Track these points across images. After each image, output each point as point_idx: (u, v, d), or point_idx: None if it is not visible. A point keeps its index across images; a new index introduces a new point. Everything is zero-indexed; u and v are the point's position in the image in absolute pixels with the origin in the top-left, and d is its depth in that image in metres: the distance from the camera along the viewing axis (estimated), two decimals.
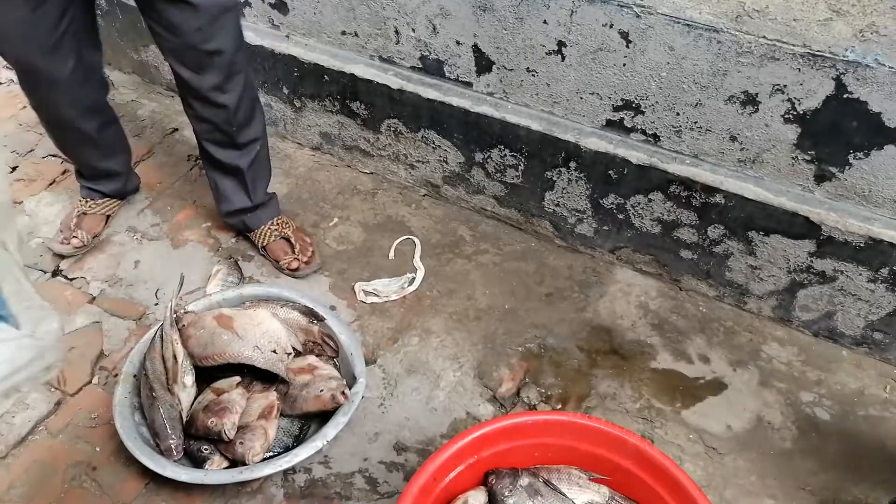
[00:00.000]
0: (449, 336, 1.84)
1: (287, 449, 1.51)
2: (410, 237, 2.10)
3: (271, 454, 1.50)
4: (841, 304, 1.76)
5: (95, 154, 1.96)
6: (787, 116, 1.60)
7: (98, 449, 1.57)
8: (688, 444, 1.61)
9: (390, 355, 1.79)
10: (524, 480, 1.32)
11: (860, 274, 1.69)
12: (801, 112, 1.57)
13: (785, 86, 1.56)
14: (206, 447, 1.50)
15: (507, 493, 1.31)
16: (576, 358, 1.79)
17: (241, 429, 1.49)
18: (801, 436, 1.63)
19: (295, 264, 1.98)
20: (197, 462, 1.49)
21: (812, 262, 1.73)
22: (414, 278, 1.97)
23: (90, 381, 1.72)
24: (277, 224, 2.03)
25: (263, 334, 1.62)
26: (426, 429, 1.63)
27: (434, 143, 2.15)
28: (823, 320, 1.82)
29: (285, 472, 1.53)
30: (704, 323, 1.88)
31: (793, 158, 1.65)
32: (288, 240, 2.01)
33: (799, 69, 1.52)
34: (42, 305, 1.52)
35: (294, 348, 1.67)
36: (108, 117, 1.93)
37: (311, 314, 1.73)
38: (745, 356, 1.80)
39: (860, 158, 1.57)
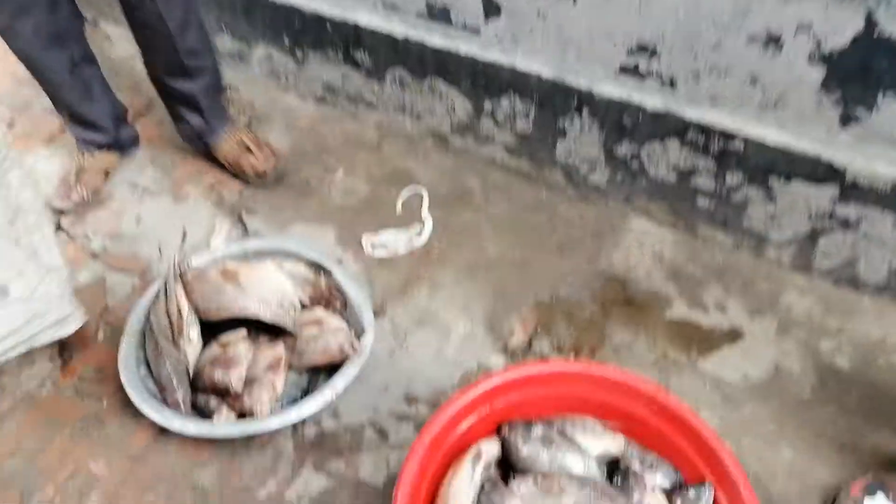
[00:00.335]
0: (459, 287, 1.80)
1: (296, 402, 1.48)
2: (418, 189, 2.04)
3: (280, 406, 1.48)
4: (864, 251, 1.71)
5: (72, 95, 1.90)
6: (812, 56, 1.52)
7: (105, 403, 1.55)
8: (704, 394, 1.57)
9: (399, 307, 1.75)
10: (538, 431, 1.30)
11: (886, 219, 1.63)
12: (828, 52, 1.50)
13: (811, 24, 1.48)
14: (213, 400, 1.48)
15: (521, 444, 1.28)
16: (589, 308, 1.75)
17: (249, 382, 1.47)
18: (820, 384, 1.59)
19: (261, 168, 2.01)
20: (204, 415, 1.47)
21: (835, 208, 1.67)
22: (422, 230, 1.92)
23: (95, 337, 1.69)
24: (233, 132, 2.05)
25: (269, 288, 1.59)
26: (436, 380, 1.60)
27: (441, 93, 2.08)
28: (845, 268, 1.76)
29: (294, 425, 1.51)
30: (721, 272, 1.83)
31: (817, 101, 1.58)
32: (247, 146, 2.02)
33: (826, 6, 1.44)
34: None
35: (301, 302, 1.63)
36: (79, 52, 1.86)
37: (317, 267, 1.69)
38: (763, 305, 1.75)
39: (889, 99, 1.49)
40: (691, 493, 1.22)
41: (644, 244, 1.90)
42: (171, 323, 1.53)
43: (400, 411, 1.55)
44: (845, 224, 1.68)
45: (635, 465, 1.28)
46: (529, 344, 1.68)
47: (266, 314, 1.54)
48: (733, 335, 1.69)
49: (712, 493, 1.21)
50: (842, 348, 1.66)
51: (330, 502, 1.39)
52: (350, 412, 1.54)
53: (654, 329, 1.70)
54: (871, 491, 1.35)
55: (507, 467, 1.31)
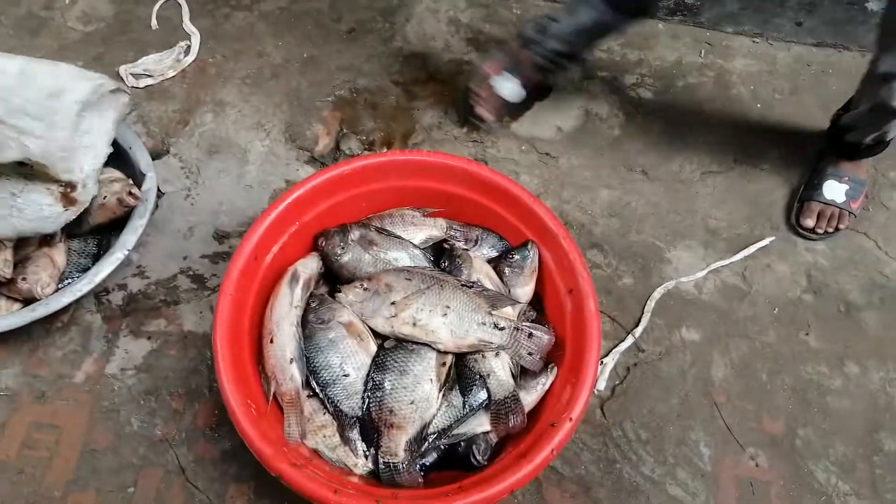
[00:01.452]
0: (246, 104, 1.60)
1: (87, 271, 1.30)
2: None
3: (70, 281, 1.30)
4: None
5: None
6: None
7: None
8: (522, 157, 1.54)
9: (184, 141, 1.54)
10: (355, 234, 1.21)
11: None
12: None
13: None
14: None
15: (339, 252, 1.20)
16: (392, 94, 1.62)
17: (21, 263, 1.26)
18: (627, 120, 1.61)
19: None
20: None
21: None
22: (189, 46, 1.66)
23: None
24: None
25: None
26: (245, 209, 1.46)
27: None
28: None
29: (97, 296, 1.35)
30: (519, 26, 1.73)
31: None
32: None
33: None
34: None
35: None
36: None
37: None
38: None
39: None
40: (516, 256, 1.21)
41: (438, 12, 1.75)
42: None
43: (212, 251, 1.41)
44: None
45: (460, 244, 1.25)
46: (337, 146, 1.55)
47: None
48: (541, 89, 1.64)
49: (536, 251, 1.21)
50: (643, 80, 1.66)
51: (159, 364, 1.28)
52: (157, 266, 1.39)
53: (463, 101, 1.60)
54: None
55: (334, 279, 1.24)
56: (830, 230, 1.44)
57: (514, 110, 1.55)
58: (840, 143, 1.44)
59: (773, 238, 1.45)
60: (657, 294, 1.37)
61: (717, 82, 1.67)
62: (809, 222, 1.44)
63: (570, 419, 1.02)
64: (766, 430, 1.24)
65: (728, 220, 1.47)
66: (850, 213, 1.44)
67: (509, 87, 1.49)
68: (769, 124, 1.60)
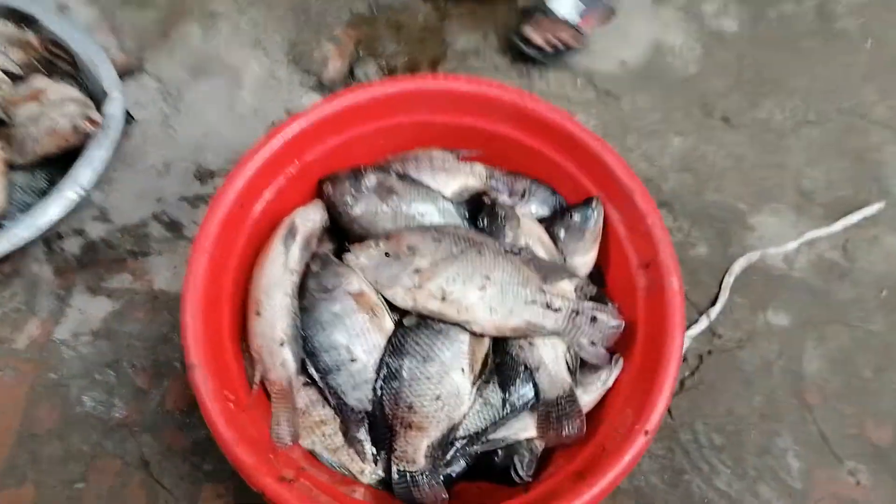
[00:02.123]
0: (243, 15, 1.39)
1: None
2: None
3: (10, 224, 1.06)
4: None
5: None
6: None
7: None
8: (576, 93, 1.33)
9: (164, 57, 1.33)
10: (371, 180, 0.97)
11: None
12: None
13: None
14: None
15: (350, 201, 0.96)
16: (420, 11, 1.41)
17: None
18: (705, 55, 1.39)
19: None
20: None
21: None
22: None
23: None
24: None
25: None
26: (235, 143, 1.24)
27: None
28: None
29: (47, 242, 1.13)
30: None
31: None
32: None
33: None
34: None
35: (7, 72, 1.13)
36: None
37: (16, 17, 1.16)
38: None
39: None
40: (576, 216, 0.97)
41: None
42: None
43: (192, 193, 1.20)
44: None
45: (503, 198, 1.02)
46: (351, 72, 1.34)
47: None
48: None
49: (601, 209, 0.96)
50: (727, 7, 1.45)
51: (121, 330, 1.07)
52: (123, 209, 1.17)
53: (504, 24, 1.39)
54: None
55: (342, 236, 0.99)
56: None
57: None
58: None
59: (881, 204, 1.23)
60: (737, 267, 1.17)
61: (818, 13, 1.45)
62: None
63: (646, 432, 0.80)
64: (869, 439, 1.06)
65: (826, 180, 1.26)
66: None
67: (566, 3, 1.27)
68: (882, 66, 1.38)
